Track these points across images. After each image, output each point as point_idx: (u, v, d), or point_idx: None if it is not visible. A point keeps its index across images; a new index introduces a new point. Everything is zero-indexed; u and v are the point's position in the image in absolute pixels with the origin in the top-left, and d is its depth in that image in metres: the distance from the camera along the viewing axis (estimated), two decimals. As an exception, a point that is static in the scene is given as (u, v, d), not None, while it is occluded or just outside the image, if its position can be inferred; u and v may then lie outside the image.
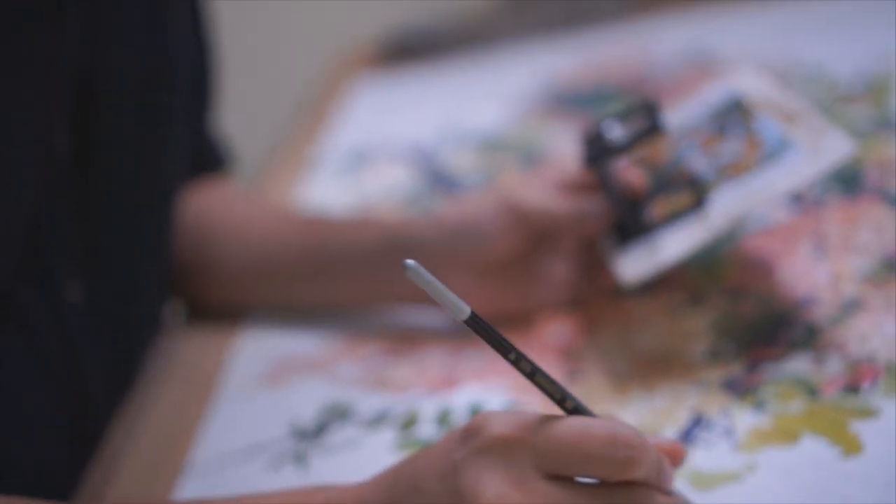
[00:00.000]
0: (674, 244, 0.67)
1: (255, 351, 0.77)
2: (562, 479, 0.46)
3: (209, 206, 0.82)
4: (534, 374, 0.46)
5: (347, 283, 0.76)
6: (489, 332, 0.46)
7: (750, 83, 0.73)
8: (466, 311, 0.45)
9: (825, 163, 0.64)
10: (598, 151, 0.70)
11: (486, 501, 0.45)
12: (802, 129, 0.67)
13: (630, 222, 0.69)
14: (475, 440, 0.46)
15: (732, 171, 0.69)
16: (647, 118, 0.70)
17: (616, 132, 0.70)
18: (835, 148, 0.64)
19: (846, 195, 0.77)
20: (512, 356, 0.46)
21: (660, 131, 0.69)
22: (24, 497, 0.55)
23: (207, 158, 0.85)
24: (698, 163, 0.70)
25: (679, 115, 0.75)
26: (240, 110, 1.19)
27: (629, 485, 0.46)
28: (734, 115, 0.72)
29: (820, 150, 0.65)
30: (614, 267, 0.69)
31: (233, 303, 0.81)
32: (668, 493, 0.48)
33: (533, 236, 0.71)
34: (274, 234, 0.79)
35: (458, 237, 0.71)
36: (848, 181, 0.78)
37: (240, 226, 0.80)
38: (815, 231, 0.75)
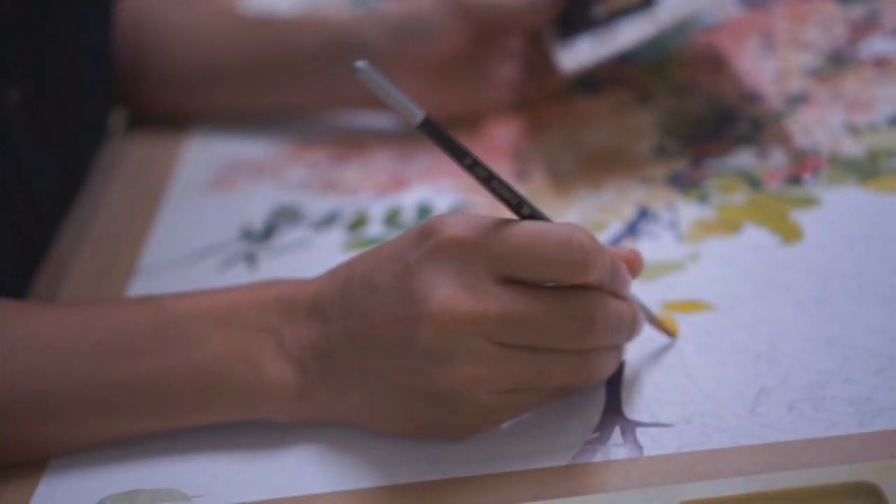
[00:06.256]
0: (618, 36, 0.67)
1: (202, 156, 0.76)
2: (515, 283, 0.46)
3: (148, 7, 0.79)
4: (489, 180, 0.46)
5: (293, 85, 0.74)
6: (443, 136, 0.44)
7: None
8: (420, 115, 0.43)
9: None
10: None
11: (437, 304, 0.45)
12: None
13: (577, 15, 0.68)
14: (430, 242, 0.46)
15: None
16: None
17: None
18: None
19: (796, -8, 0.77)
20: (467, 161, 0.45)
21: None
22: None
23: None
24: None
25: None
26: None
27: (583, 289, 0.46)
28: None
29: None
30: (556, 55, 0.68)
31: (178, 109, 0.79)
32: (624, 298, 0.48)
33: (479, 32, 0.70)
34: (217, 35, 0.77)
35: (403, 34, 0.70)
36: (798, -22, 0.77)
37: (181, 27, 0.78)
38: (763, 28, 0.74)
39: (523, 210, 0.47)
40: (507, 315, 0.45)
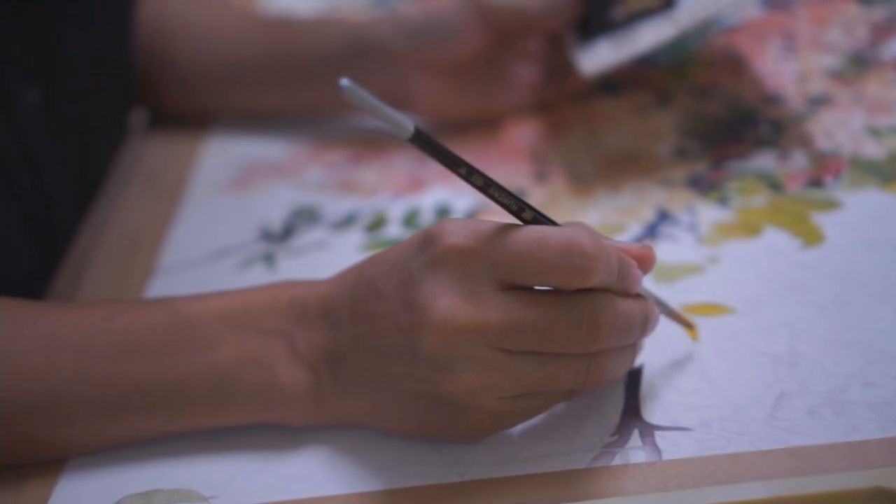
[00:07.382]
0: (637, 39, 0.66)
1: (221, 157, 0.77)
2: (518, 290, 0.45)
3: (167, 7, 0.79)
4: (487, 188, 0.45)
5: (312, 86, 0.75)
6: (436, 147, 0.43)
7: None
8: (410, 128, 0.42)
9: None
10: None
11: (439, 315, 0.45)
12: None
13: (597, 17, 0.68)
14: (430, 250, 0.46)
15: None
16: None
17: None
18: None
19: (817, -7, 0.76)
20: (462, 170, 0.44)
21: None
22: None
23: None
24: None
25: None
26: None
27: (588, 292, 0.45)
28: None
29: None
30: (576, 58, 0.68)
31: (196, 109, 0.79)
32: (637, 296, 0.48)
33: (499, 34, 0.70)
34: (237, 36, 0.77)
35: (423, 35, 0.70)
36: (820, -21, 0.77)
37: (202, 27, 0.78)
38: (784, 29, 0.74)
39: (525, 215, 0.46)
40: (509, 323, 0.45)
